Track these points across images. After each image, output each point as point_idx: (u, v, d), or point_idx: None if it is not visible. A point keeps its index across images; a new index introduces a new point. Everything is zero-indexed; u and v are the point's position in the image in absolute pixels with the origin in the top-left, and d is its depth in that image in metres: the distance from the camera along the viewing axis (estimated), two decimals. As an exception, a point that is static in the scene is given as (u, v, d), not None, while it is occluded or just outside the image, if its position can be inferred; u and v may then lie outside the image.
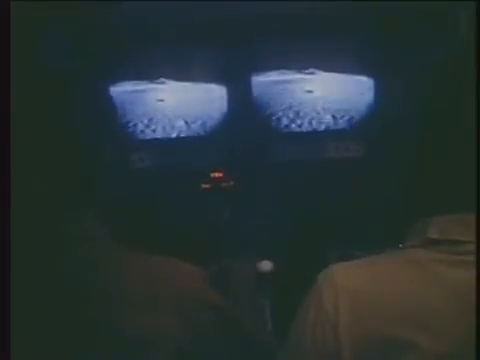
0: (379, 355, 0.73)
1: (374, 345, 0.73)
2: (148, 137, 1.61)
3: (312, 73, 1.56)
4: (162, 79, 1.58)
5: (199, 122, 1.61)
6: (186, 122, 1.61)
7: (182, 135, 1.62)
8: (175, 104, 1.60)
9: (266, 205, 1.58)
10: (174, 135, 1.62)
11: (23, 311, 0.76)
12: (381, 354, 0.73)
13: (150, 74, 1.58)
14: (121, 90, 1.56)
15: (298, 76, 1.57)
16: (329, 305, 0.76)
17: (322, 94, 1.58)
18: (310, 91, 1.58)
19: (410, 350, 0.71)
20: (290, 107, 1.60)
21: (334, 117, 1.59)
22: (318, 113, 1.59)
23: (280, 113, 1.60)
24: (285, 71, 1.57)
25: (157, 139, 1.62)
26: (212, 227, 1.56)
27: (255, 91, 1.59)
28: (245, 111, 1.60)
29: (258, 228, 1.55)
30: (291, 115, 1.60)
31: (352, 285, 0.77)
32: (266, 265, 1.38)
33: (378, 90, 1.53)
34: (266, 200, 1.59)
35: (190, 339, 0.82)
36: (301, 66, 1.57)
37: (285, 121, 1.60)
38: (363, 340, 0.73)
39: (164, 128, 1.61)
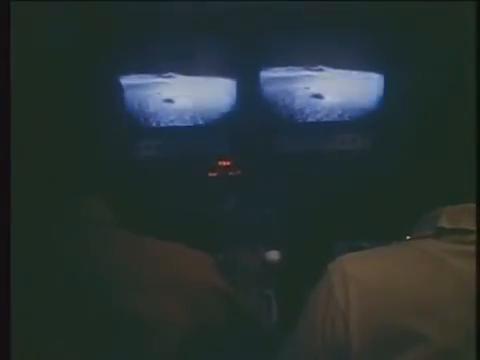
0: (389, 346, 0.73)
1: (384, 336, 0.73)
2: (155, 125, 1.61)
3: (319, 67, 1.56)
4: (170, 68, 1.57)
5: (207, 110, 1.60)
6: (194, 110, 1.60)
7: (190, 123, 1.61)
8: (183, 93, 1.59)
9: (273, 195, 1.58)
10: (181, 123, 1.61)
11: (25, 295, 0.76)
12: (391, 345, 0.73)
13: (158, 66, 1.57)
14: (129, 79, 1.55)
15: (305, 70, 1.57)
16: (339, 295, 0.76)
17: (329, 87, 1.58)
18: (317, 85, 1.58)
19: (420, 341, 0.71)
20: (297, 100, 1.59)
21: (341, 109, 1.59)
22: (325, 105, 1.59)
23: (288, 105, 1.60)
24: (293, 65, 1.57)
25: (164, 127, 1.61)
26: (218, 215, 1.56)
27: (263, 84, 1.58)
28: (253, 101, 1.59)
29: (264, 218, 1.55)
30: (298, 108, 1.60)
31: (363, 275, 0.76)
32: (273, 255, 1.37)
33: (385, 83, 1.52)
34: (273, 190, 1.59)
35: (195, 325, 0.82)
36: (309, 61, 1.56)
37: (292, 113, 1.60)
38: (373, 331, 0.73)
39: (171, 116, 1.61)
